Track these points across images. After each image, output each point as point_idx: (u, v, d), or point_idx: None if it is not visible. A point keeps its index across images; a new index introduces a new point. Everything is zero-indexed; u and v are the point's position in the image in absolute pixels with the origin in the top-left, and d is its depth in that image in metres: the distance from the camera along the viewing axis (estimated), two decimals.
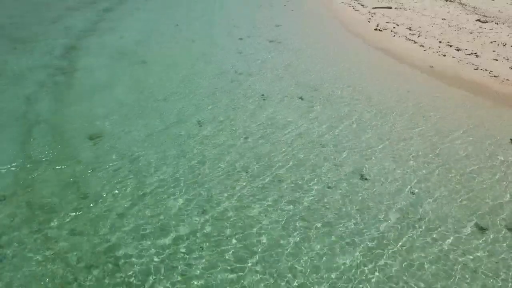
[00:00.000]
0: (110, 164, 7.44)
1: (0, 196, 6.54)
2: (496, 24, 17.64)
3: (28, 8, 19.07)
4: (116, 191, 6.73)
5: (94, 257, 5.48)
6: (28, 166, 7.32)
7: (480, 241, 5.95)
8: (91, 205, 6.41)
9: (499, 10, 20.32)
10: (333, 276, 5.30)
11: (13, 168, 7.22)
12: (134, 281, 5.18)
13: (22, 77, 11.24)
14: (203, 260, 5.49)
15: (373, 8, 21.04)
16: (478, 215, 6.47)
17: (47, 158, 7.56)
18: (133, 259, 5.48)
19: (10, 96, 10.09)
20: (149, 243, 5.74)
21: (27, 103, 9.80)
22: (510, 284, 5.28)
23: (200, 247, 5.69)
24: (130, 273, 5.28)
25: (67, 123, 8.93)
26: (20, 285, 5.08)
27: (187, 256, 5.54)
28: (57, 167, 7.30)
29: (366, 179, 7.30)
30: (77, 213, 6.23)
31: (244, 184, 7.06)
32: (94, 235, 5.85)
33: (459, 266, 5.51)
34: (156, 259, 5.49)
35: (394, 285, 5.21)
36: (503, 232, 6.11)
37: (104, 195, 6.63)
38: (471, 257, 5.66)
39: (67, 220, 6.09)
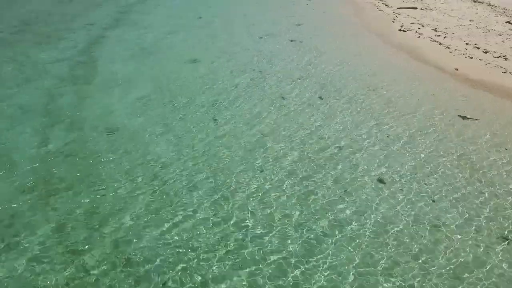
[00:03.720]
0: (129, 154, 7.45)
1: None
2: None
3: (53, 3, 19.38)
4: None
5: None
6: (48, 157, 7.39)
7: None
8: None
9: None
10: None
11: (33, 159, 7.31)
12: None
13: (45, 70, 11.41)
14: None
15: (397, 8, 20.56)
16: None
17: (65, 150, 7.64)
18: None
19: (32, 89, 10.25)
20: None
21: (48, 95, 9.94)
22: None
23: None
24: None
25: (86, 116, 9.01)
26: None
27: None
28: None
29: (384, 183, 7.08)
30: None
31: (261, 181, 6.95)
32: None
33: None
34: None
35: None
36: None
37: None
38: None
39: None
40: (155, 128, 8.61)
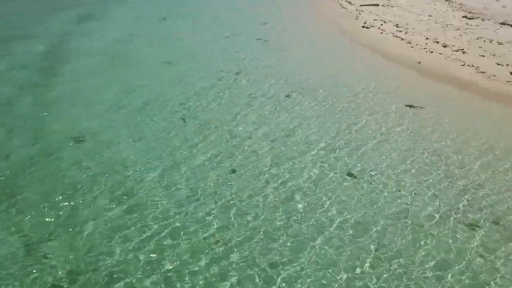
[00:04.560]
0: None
1: None
2: (482, 20, 17.73)
3: (11, 7, 18.65)
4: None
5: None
6: (9, 168, 7.09)
7: None
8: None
9: (484, 7, 20.43)
10: None
11: None
12: None
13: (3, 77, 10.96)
14: None
15: (360, 5, 21.01)
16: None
17: (28, 159, 7.35)
18: None
19: None
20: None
21: (8, 102, 9.56)
22: None
23: None
24: None
25: (50, 123, 8.72)
26: None
27: None
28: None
29: (355, 177, 7.20)
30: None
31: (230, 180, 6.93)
32: None
33: None
34: None
35: None
36: None
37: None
38: None
39: None
40: (124, 131, 8.43)
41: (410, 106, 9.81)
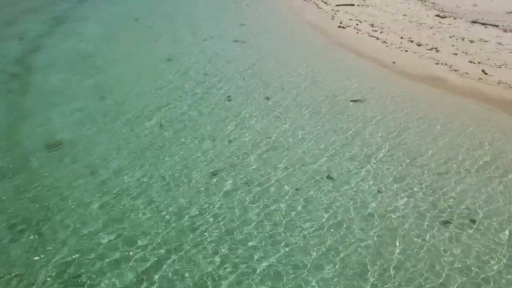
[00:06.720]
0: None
1: None
2: (454, 19, 18.14)
3: None
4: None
5: None
6: None
7: None
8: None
9: (456, 5, 20.91)
10: None
11: None
12: None
13: None
14: None
15: (336, 5, 21.21)
16: None
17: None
18: None
19: None
20: None
21: None
22: None
23: None
24: None
25: (24, 132, 8.51)
26: None
27: None
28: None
29: (332, 179, 7.29)
30: None
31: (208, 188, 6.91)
32: None
33: None
34: None
35: None
36: None
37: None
38: None
39: None
40: (100, 140, 8.29)
41: (355, 101, 10.22)
